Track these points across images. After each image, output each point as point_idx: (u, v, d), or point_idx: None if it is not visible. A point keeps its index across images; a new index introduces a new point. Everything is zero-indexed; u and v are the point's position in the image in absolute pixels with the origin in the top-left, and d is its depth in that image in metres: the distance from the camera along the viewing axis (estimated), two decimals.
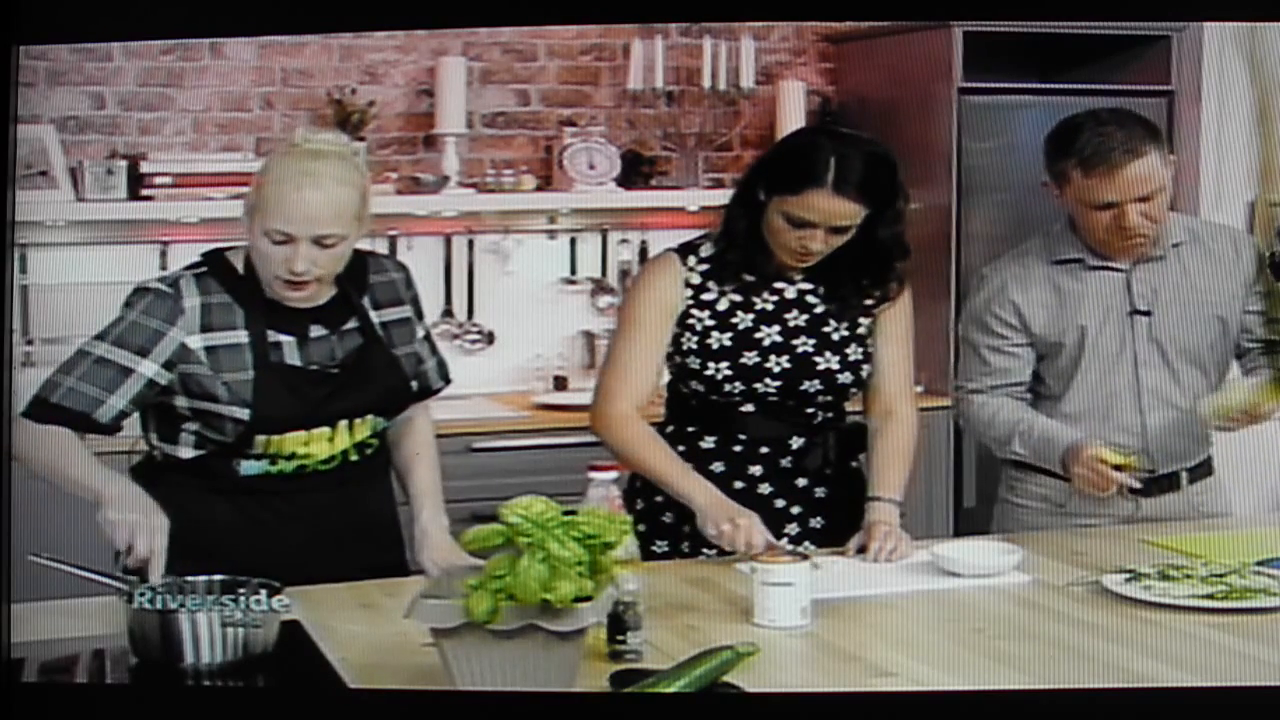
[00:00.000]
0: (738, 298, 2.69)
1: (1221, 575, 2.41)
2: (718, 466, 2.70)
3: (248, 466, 2.49)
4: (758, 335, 2.68)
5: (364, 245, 2.58)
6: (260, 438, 2.47)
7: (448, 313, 4.48)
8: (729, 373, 2.67)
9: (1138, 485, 2.70)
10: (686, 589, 2.44)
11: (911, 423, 2.78)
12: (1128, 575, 2.42)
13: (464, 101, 4.40)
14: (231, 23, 2.66)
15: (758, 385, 2.67)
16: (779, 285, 2.70)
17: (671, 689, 1.98)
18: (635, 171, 4.56)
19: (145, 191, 4.10)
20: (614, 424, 2.68)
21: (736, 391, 2.67)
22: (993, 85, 4.36)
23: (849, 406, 2.79)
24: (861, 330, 2.73)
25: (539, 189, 4.49)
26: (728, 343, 2.68)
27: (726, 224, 2.70)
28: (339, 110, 4.30)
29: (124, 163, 4.12)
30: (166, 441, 2.52)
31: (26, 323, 3.91)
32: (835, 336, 2.70)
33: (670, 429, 2.75)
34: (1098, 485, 2.68)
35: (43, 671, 2.17)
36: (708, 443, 2.71)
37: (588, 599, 1.93)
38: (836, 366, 2.69)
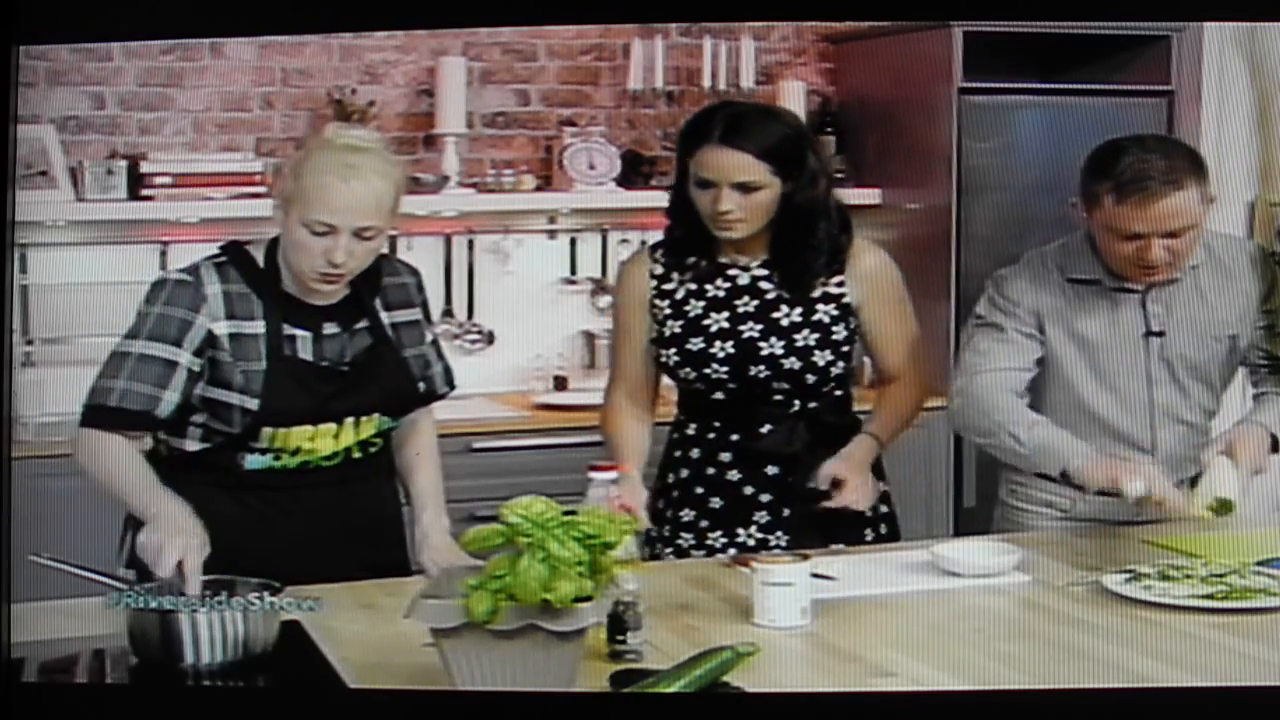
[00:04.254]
0: (693, 286, 2.75)
1: (1221, 575, 2.41)
2: (694, 452, 2.77)
3: (252, 460, 2.50)
4: (705, 322, 2.73)
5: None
6: (266, 430, 2.47)
7: (448, 313, 4.48)
8: (677, 359, 2.73)
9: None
10: (686, 589, 2.44)
11: (914, 385, 2.84)
12: (1128, 575, 2.42)
13: (464, 101, 4.40)
14: (231, 23, 2.66)
15: (707, 371, 2.72)
16: (733, 272, 2.74)
17: (671, 689, 1.98)
18: (635, 171, 4.56)
19: (145, 191, 4.10)
20: (604, 415, 2.81)
21: (691, 378, 2.73)
22: (993, 85, 4.36)
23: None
24: (820, 317, 2.72)
25: (539, 189, 4.49)
26: (678, 330, 2.74)
27: (669, 203, 2.78)
28: (339, 110, 4.30)
29: (124, 163, 4.12)
30: (173, 435, 2.52)
31: (26, 323, 3.91)
32: (785, 322, 2.72)
33: (674, 416, 2.83)
34: (1165, 493, 2.57)
35: (43, 671, 2.17)
36: (690, 429, 2.79)
37: (588, 599, 1.93)
38: (781, 352, 2.70)
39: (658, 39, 4.53)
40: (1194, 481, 2.78)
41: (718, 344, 2.71)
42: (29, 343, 3.86)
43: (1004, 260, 2.92)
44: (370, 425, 2.55)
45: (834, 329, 2.73)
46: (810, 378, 2.72)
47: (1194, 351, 2.75)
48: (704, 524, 2.75)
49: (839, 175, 4.65)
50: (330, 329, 2.52)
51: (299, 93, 4.37)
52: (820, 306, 2.73)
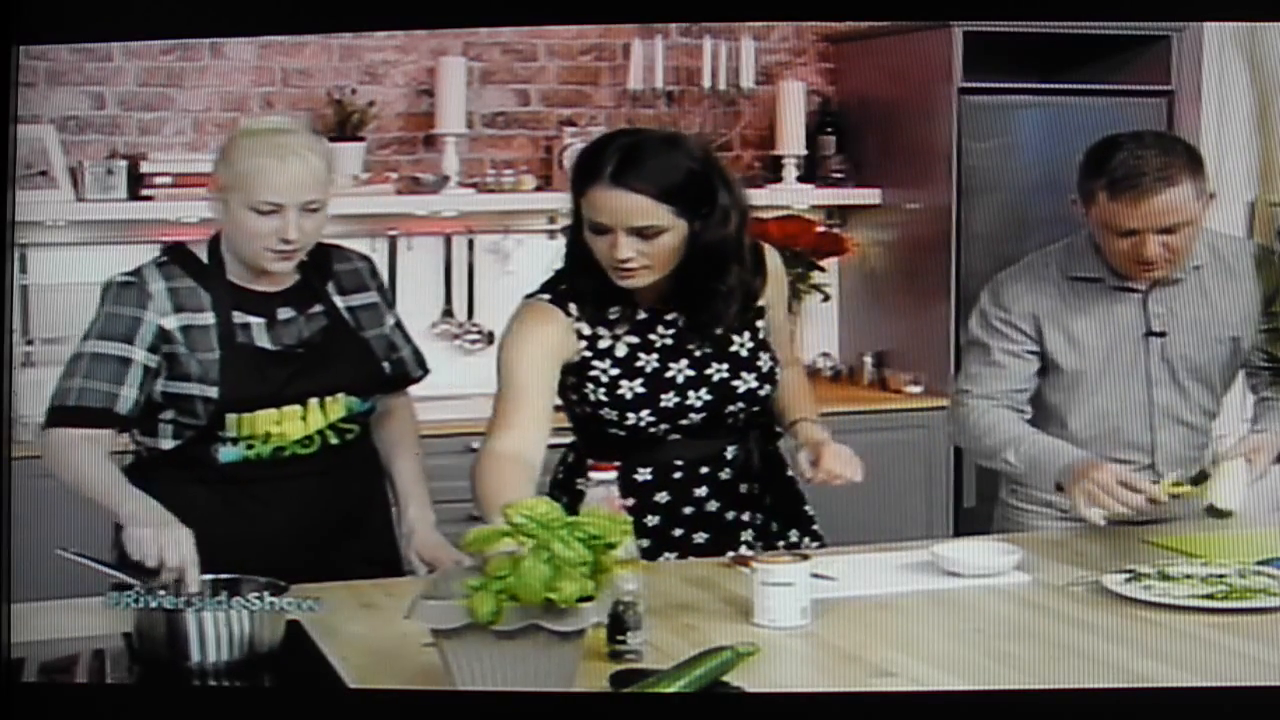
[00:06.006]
0: (635, 339, 2.54)
1: (1221, 575, 2.41)
2: (662, 496, 2.59)
3: (226, 453, 2.51)
4: (669, 374, 2.55)
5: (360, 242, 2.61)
6: (231, 417, 2.49)
7: (448, 313, 4.48)
8: (651, 419, 2.54)
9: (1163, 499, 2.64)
10: (686, 589, 2.44)
11: (802, 371, 2.83)
12: (1128, 575, 2.42)
13: (464, 101, 4.40)
14: (231, 23, 2.67)
15: (684, 422, 2.56)
16: (670, 316, 2.55)
17: (671, 689, 1.98)
18: None
19: (145, 191, 4.10)
20: (488, 466, 2.41)
21: (660, 431, 2.57)
22: (993, 85, 4.35)
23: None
24: (763, 334, 2.62)
25: (539, 189, 4.49)
26: (640, 390, 2.53)
27: (566, 249, 2.54)
28: (339, 110, 4.30)
29: (124, 163, 4.12)
30: (148, 435, 2.55)
31: (26, 323, 3.91)
32: (744, 352, 2.59)
33: (591, 463, 2.45)
34: (1126, 503, 2.58)
35: (43, 671, 2.18)
36: (643, 475, 2.58)
37: (589, 599, 1.93)
38: (755, 383, 2.59)
39: (658, 39, 4.52)
40: (1195, 481, 2.79)
41: (691, 394, 2.55)
42: (29, 343, 3.86)
43: (1004, 260, 2.92)
44: (337, 407, 2.56)
45: (768, 339, 2.64)
46: (773, 395, 2.65)
47: (1196, 352, 2.75)
48: (690, 560, 2.62)
49: (837, 175, 4.66)
50: (285, 314, 2.55)
51: (299, 93, 4.37)
52: (758, 323, 2.62)
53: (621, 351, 2.55)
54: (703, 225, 2.44)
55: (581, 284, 2.51)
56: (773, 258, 2.68)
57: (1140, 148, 2.61)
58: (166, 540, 2.28)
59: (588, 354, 2.54)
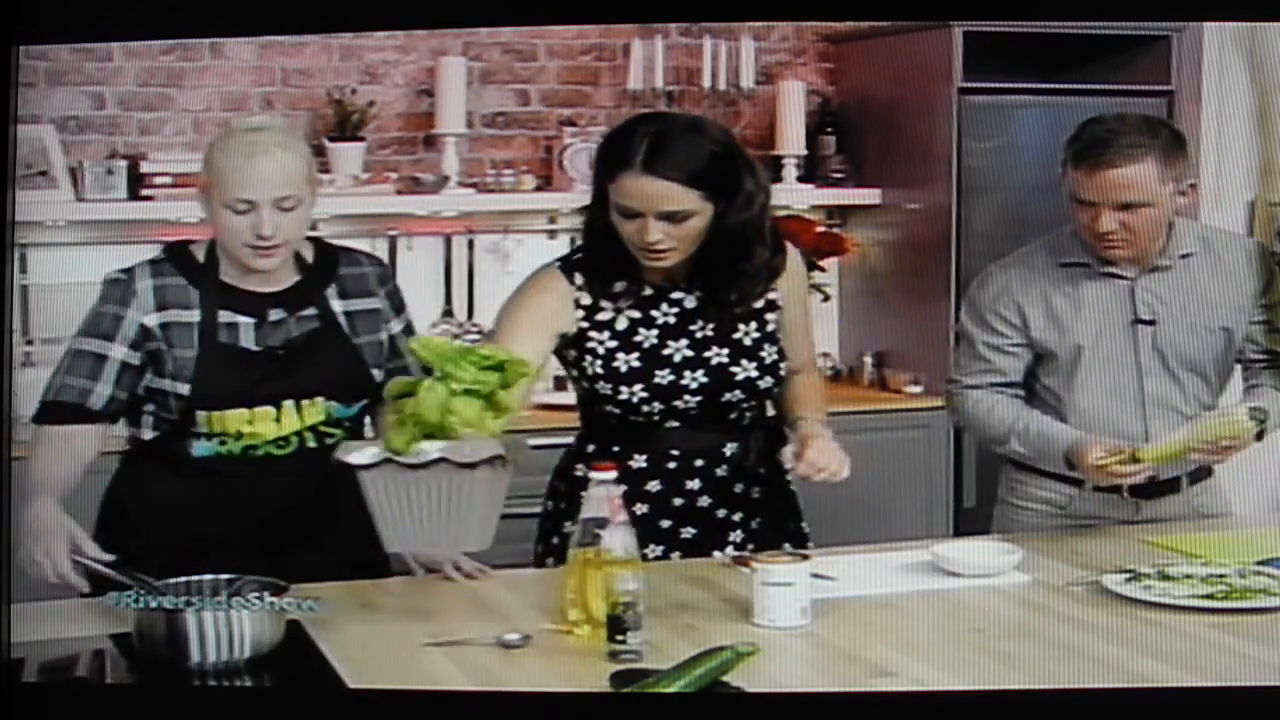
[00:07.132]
0: (636, 314, 2.57)
1: (1221, 575, 2.41)
2: (654, 485, 2.59)
3: (199, 448, 2.53)
4: (666, 352, 2.56)
5: (367, 244, 2.61)
6: (201, 414, 2.50)
7: (448, 313, 4.48)
8: (644, 395, 2.55)
9: (1147, 476, 2.67)
10: (686, 589, 2.44)
11: (818, 371, 2.83)
12: (1128, 575, 2.42)
13: (464, 101, 4.40)
14: (231, 23, 2.67)
15: (676, 403, 2.56)
16: (676, 295, 2.58)
17: (671, 689, 1.98)
18: None
19: (145, 191, 4.10)
20: None
21: (655, 411, 2.57)
22: (993, 85, 4.36)
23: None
24: (771, 327, 2.62)
25: (539, 189, 4.49)
26: (636, 364, 2.55)
27: (585, 226, 2.59)
28: (339, 110, 4.30)
29: (124, 163, 4.12)
30: (133, 425, 2.58)
31: (26, 323, 3.91)
32: (748, 341, 2.60)
33: (591, 448, 2.61)
34: (1115, 477, 2.66)
35: (43, 671, 2.17)
36: (639, 462, 2.58)
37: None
38: (755, 373, 2.59)
39: (658, 39, 4.53)
40: (1192, 477, 2.80)
41: (688, 374, 2.55)
42: (29, 343, 3.86)
43: None
44: (316, 410, 2.55)
45: (778, 334, 2.64)
46: (775, 391, 2.65)
47: (1185, 342, 2.76)
48: (675, 555, 2.61)
49: (837, 175, 4.66)
50: (276, 315, 2.55)
51: (299, 93, 4.37)
52: (768, 315, 2.63)
53: (622, 325, 2.57)
54: (728, 208, 2.49)
55: (596, 259, 2.56)
56: (793, 255, 2.69)
57: (1117, 124, 2.64)
58: (38, 556, 2.31)
59: (584, 325, 2.56)
